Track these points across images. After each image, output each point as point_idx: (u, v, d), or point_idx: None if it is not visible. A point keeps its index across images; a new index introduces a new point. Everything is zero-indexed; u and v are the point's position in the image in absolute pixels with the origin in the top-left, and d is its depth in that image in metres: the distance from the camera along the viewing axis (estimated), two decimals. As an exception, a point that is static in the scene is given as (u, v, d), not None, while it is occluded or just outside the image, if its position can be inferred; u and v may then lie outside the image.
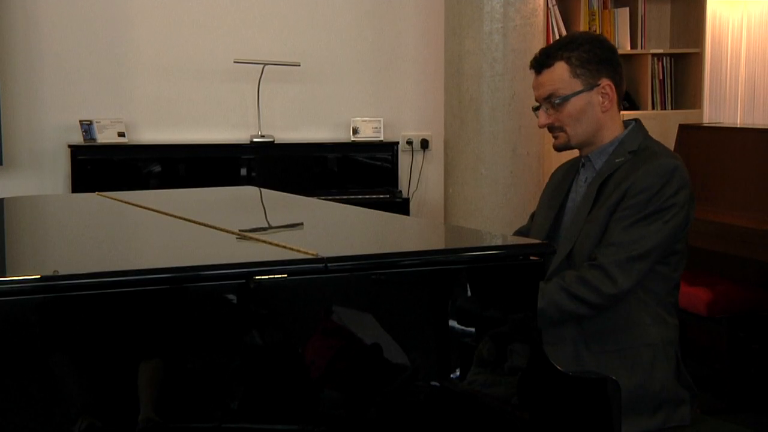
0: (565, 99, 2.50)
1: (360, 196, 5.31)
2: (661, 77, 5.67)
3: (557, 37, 5.48)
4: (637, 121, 2.60)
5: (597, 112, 2.53)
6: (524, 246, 2.05)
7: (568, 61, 2.51)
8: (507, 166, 4.74)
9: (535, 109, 2.60)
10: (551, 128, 2.57)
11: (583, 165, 2.60)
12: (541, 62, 2.55)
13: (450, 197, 4.98)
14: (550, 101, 2.53)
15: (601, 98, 2.52)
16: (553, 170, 2.78)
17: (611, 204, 2.43)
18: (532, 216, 2.77)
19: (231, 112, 5.52)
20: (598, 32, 5.55)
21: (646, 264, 2.39)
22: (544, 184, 2.78)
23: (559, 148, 2.61)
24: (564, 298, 2.36)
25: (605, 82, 2.52)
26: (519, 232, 2.77)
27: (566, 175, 2.66)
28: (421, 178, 5.75)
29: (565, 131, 2.54)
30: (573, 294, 2.35)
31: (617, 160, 2.50)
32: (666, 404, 2.43)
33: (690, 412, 2.48)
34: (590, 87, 2.51)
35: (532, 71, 2.59)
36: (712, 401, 4.15)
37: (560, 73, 2.51)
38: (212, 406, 1.61)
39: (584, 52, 2.51)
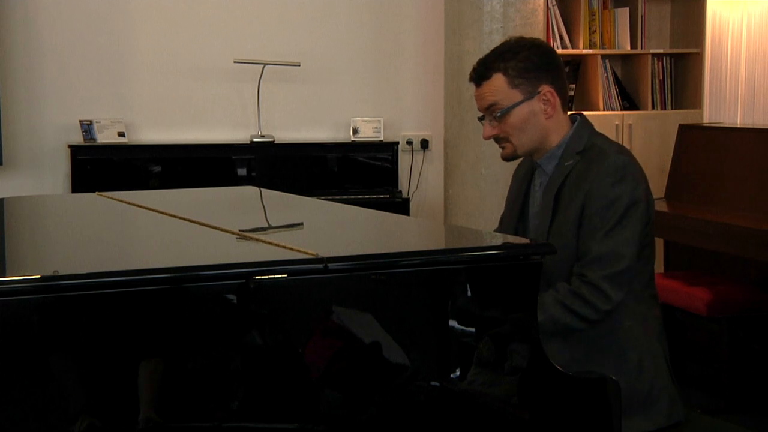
0: (507, 111, 2.48)
1: (360, 196, 5.31)
2: (661, 77, 5.67)
3: (557, 37, 5.49)
4: (581, 116, 2.57)
5: (540, 120, 2.50)
6: (524, 246, 2.05)
7: (505, 73, 2.47)
8: (507, 166, 4.71)
9: (481, 119, 2.59)
10: (497, 139, 2.55)
11: (536, 170, 2.60)
12: (479, 74, 2.52)
13: (450, 197, 4.98)
14: (492, 113, 2.52)
15: (543, 105, 2.49)
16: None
17: (573, 215, 2.42)
18: (502, 219, 2.76)
19: (231, 112, 5.52)
20: (597, 32, 5.56)
21: (632, 270, 2.40)
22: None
23: (507, 158, 2.60)
24: (560, 311, 2.35)
25: (545, 89, 2.49)
26: None
27: (524, 178, 2.65)
28: (421, 178, 5.75)
29: (510, 141, 2.53)
30: (570, 308, 2.35)
31: (567, 164, 2.48)
32: (658, 402, 2.43)
33: (683, 407, 2.48)
34: (530, 96, 2.48)
35: (472, 83, 2.56)
36: (712, 401, 4.15)
37: (498, 84, 2.48)
38: (212, 406, 1.61)
39: (521, 61, 2.47)
